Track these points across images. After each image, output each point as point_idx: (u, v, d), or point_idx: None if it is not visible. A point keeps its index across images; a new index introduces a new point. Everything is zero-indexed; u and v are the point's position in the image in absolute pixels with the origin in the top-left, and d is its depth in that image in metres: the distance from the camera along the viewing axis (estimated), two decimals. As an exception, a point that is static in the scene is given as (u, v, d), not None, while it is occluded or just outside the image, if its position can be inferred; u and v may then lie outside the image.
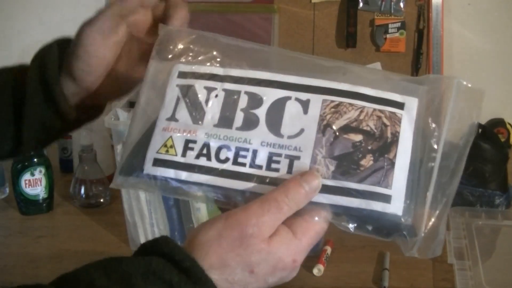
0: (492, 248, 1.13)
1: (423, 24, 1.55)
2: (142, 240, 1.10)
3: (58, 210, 1.29)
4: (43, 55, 0.70)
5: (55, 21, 1.60)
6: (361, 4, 1.55)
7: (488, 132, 1.29)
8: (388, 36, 1.56)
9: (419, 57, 1.56)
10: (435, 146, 0.58)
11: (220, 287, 0.54)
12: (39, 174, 1.25)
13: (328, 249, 1.08)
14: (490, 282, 0.96)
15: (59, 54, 0.69)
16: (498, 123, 1.60)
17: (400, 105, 0.60)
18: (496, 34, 1.59)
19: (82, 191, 1.28)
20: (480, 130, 1.27)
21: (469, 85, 0.60)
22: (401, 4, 1.55)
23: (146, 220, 1.09)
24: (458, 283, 0.97)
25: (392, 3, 1.55)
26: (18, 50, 1.50)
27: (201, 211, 1.07)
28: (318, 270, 1.03)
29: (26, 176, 1.24)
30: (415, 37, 1.57)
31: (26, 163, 1.24)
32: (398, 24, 1.55)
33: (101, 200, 1.30)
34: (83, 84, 0.69)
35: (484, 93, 0.60)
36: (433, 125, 0.59)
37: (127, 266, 0.52)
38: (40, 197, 1.26)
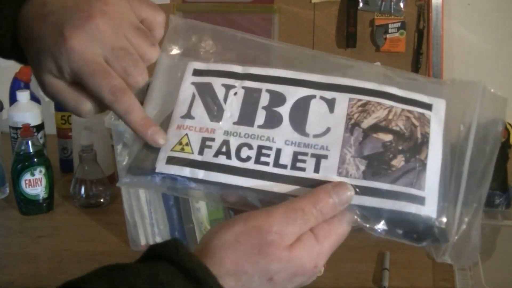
0: (492, 248, 1.13)
1: (423, 24, 1.55)
2: (142, 240, 1.10)
3: (58, 210, 1.29)
4: None
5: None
6: (361, 4, 1.55)
7: (488, 132, 1.29)
8: (388, 36, 1.56)
9: (419, 57, 1.56)
10: (464, 150, 0.57)
11: None
12: (39, 174, 1.25)
13: (328, 249, 1.08)
14: (490, 282, 0.96)
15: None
16: (498, 123, 1.60)
17: (428, 106, 0.59)
18: (496, 34, 1.59)
19: (82, 191, 1.28)
20: (480, 130, 1.27)
21: (492, 90, 0.60)
22: (401, 4, 1.55)
23: (146, 220, 1.09)
24: (458, 283, 0.97)
25: (392, 3, 1.55)
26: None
27: (201, 211, 1.07)
28: (318, 270, 1.03)
29: (26, 176, 1.24)
30: (415, 37, 1.57)
31: (26, 163, 1.24)
32: (398, 24, 1.55)
33: (101, 200, 1.30)
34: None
35: (507, 100, 0.60)
36: (462, 128, 0.58)
37: (133, 277, 0.49)
38: (40, 197, 1.26)
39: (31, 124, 1.33)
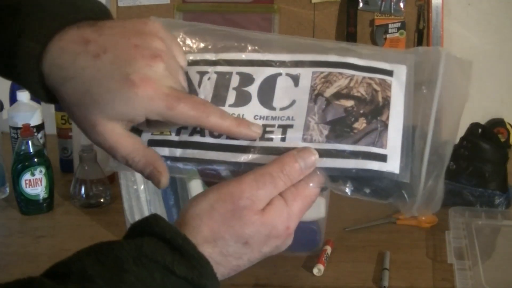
0: (492, 248, 1.13)
1: (423, 24, 1.55)
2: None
3: (58, 210, 1.29)
4: None
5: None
6: (361, 4, 1.55)
7: (488, 132, 1.29)
8: (388, 36, 1.56)
9: (419, 57, 1.56)
10: (428, 111, 0.59)
11: (214, 260, 0.54)
12: (40, 174, 1.25)
13: (328, 249, 1.08)
14: (489, 282, 0.96)
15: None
16: (498, 123, 1.60)
17: (389, 73, 0.62)
18: (496, 34, 1.59)
19: (82, 191, 1.28)
20: (480, 130, 1.27)
21: (457, 56, 0.62)
22: (401, 4, 1.55)
23: (146, 220, 1.09)
24: (458, 283, 0.97)
25: (392, 3, 1.55)
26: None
27: (201, 211, 1.07)
28: (318, 270, 1.03)
29: (27, 176, 1.24)
30: (415, 37, 1.57)
31: (27, 163, 1.24)
32: (398, 24, 1.55)
33: (101, 200, 1.30)
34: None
35: (472, 63, 0.62)
36: (425, 91, 0.60)
37: (119, 251, 0.52)
38: (41, 197, 1.26)
39: (31, 124, 1.33)
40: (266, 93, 0.62)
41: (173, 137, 0.62)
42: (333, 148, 0.58)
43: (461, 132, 1.29)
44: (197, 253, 0.53)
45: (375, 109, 0.59)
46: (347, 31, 1.55)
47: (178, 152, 0.61)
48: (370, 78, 0.61)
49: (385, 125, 0.59)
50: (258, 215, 0.55)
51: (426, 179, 0.58)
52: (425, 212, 0.60)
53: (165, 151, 0.61)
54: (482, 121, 1.55)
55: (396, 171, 0.57)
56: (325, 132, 0.58)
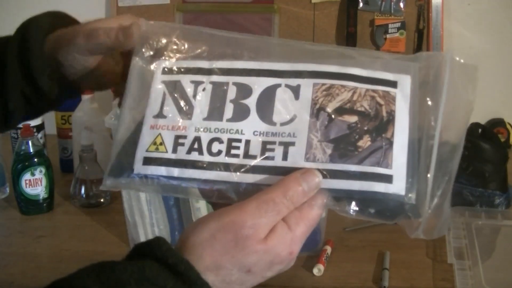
0: (492, 248, 1.13)
1: (423, 24, 1.55)
2: (142, 240, 1.10)
3: (59, 210, 1.29)
4: (27, 27, 0.68)
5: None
6: (361, 4, 1.55)
7: (488, 132, 1.29)
8: (388, 36, 1.56)
9: (419, 57, 1.56)
10: (433, 123, 0.57)
11: (216, 287, 0.54)
12: (40, 174, 1.25)
13: (328, 249, 1.08)
14: (489, 282, 0.96)
15: (48, 28, 0.68)
16: (498, 123, 1.60)
17: (393, 84, 0.59)
18: (496, 34, 1.59)
19: (83, 191, 1.28)
20: (480, 130, 1.27)
21: (462, 61, 0.59)
22: (401, 4, 1.55)
23: (146, 220, 1.09)
24: (458, 283, 0.97)
25: (392, 3, 1.55)
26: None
27: (201, 211, 1.07)
28: (318, 270, 1.03)
29: (27, 176, 1.24)
30: (415, 37, 1.57)
31: (27, 163, 1.23)
32: (398, 24, 1.55)
33: (101, 200, 1.30)
34: (67, 76, 0.69)
35: (477, 68, 0.59)
36: (430, 103, 0.58)
37: (121, 273, 0.51)
38: (41, 197, 1.26)
39: (31, 124, 1.33)
40: (265, 107, 0.60)
41: (170, 155, 0.59)
42: (337, 168, 0.56)
43: (461, 132, 1.29)
44: (200, 279, 0.52)
45: (380, 125, 0.57)
46: (347, 31, 1.55)
47: (175, 172, 0.59)
48: (374, 91, 0.59)
49: (390, 143, 0.57)
50: (261, 244, 0.54)
51: (431, 198, 0.56)
52: (431, 235, 0.57)
53: (161, 170, 0.59)
54: (482, 121, 1.55)
55: (402, 193, 0.55)
56: (329, 151, 0.56)
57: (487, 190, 1.24)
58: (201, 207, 1.06)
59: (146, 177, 0.59)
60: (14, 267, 1.07)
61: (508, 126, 1.60)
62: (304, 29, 1.58)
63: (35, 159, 1.24)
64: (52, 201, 1.28)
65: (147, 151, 0.60)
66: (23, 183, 1.24)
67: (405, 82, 0.59)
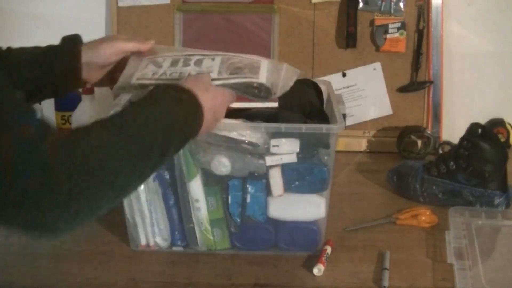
0: (492, 248, 1.13)
1: (423, 24, 1.55)
2: (142, 240, 1.10)
3: (58, 210, 1.28)
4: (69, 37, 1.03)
5: (58, 21, 1.60)
6: (361, 4, 1.55)
7: (488, 132, 1.29)
8: (388, 36, 1.56)
9: (419, 57, 1.56)
10: None
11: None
12: (39, 174, 1.24)
13: (328, 249, 1.08)
14: (489, 282, 0.96)
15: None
16: (498, 123, 1.60)
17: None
18: (496, 34, 1.59)
19: (82, 191, 1.28)
20: (480, 130, 1.27)
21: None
22: (401, 4, 1.55)
23: (146, 220, 1.09)
24: (458, 283, 0.97)
25: (392, 3, 1.55)
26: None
27: (201, 211, 1.07)
28: (318, 270, 1.03)
29: (26, 176, 1.24)
30: (415, 37, 1.57)
31: (26, 163, 1.23)
32: (398, 24, 1.56)
33: (101, 200, 1.29)
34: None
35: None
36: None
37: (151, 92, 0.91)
38: (40, 197, 1.26)
39: (31, 124, 1.32)
40: (198, 63, 1.05)
41: (151, 76, 1.07)
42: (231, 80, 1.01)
43: (461, 132, 1.29)
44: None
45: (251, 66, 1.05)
46: (347, 31, 1.56)
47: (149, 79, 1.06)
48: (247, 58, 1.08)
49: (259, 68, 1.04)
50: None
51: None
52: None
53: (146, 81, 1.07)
54: (482, 121, 1.55)
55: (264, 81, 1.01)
56: (226, 75, 1.01)
57: (487, 190, 1.24)
58: (201, 207, 1.06)
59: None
60: (14, 267, 1.07)
61: (508, 126, 1.60)
62: (304, 29, 1.58)
63: (35, 159, 1.24)
64: (52, 201, 1.28)
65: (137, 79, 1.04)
66: (23, 183, 1.24)
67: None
